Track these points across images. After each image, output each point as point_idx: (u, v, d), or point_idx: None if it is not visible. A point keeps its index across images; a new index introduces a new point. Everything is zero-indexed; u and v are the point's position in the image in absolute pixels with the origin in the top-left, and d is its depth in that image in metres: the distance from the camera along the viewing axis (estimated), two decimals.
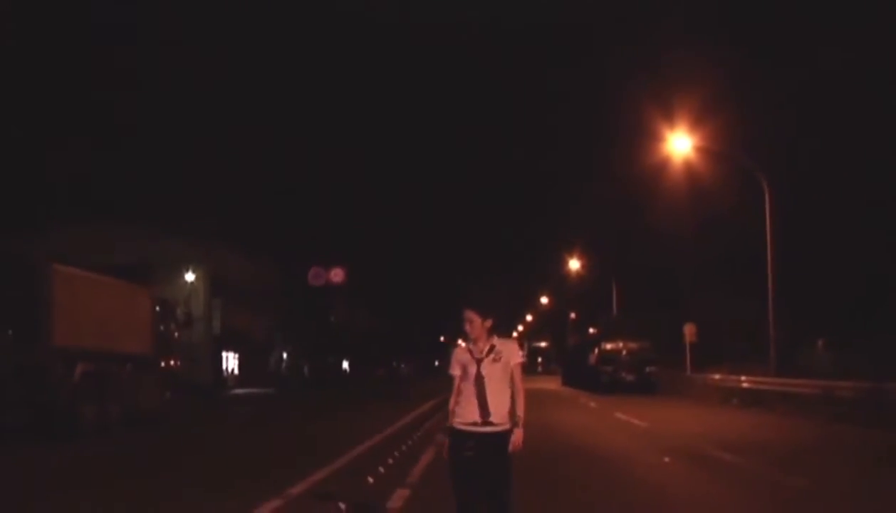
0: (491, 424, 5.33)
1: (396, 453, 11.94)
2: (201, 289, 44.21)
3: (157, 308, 20.46)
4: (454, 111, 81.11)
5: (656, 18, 43.66)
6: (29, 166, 36.90)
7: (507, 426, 5.34)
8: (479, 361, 5.38)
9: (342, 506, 7.84)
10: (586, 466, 11.37)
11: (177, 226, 42.43)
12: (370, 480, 9.45)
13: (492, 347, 5.40)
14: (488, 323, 5.43)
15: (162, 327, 20.64)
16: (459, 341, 5.90)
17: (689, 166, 27.70)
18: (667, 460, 11.87)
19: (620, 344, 37.22)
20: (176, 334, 22.25)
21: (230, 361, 51.47)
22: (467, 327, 5.44)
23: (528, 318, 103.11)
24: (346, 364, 75.44)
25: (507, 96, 74.25)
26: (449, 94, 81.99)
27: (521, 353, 5.57)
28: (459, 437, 5.40)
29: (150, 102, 43.96)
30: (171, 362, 21.38)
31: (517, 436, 5.35)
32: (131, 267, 22.22)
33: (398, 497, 8.33)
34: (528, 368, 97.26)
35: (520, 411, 5.42)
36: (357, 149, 74.83)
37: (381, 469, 10.26)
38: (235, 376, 50.67)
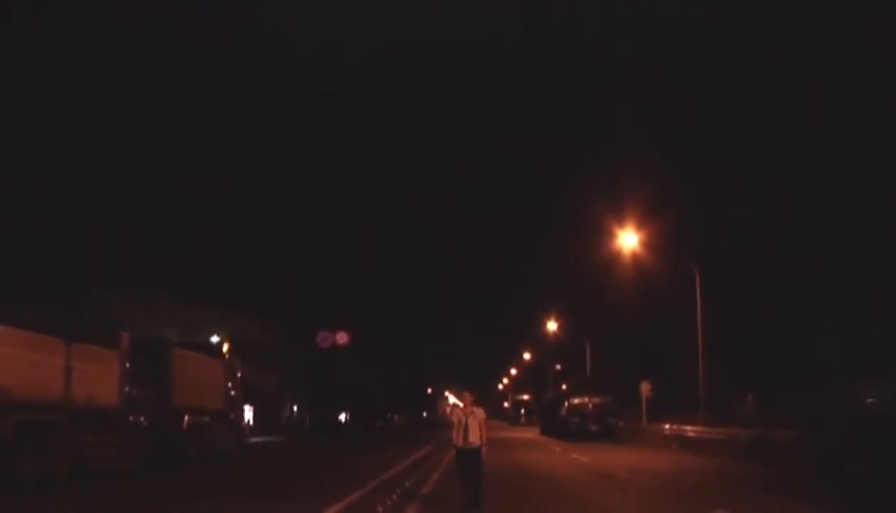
0: (470, 444, 12.45)
1: (415, 475, 18.75)
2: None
3: (226, 374, 27.25)
4: (451, 190, 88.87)
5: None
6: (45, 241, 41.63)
7: (479, 445, 12.44)
8: (467, 417, 12.53)
9: (399, 491, 14.67)
10: (537, 483, 18.03)
11: (201, 295, 49.14)
12: (407, 484, 16.38)
13: (472, 411, 12.55)
14: (473, 397, 12.68)
15: (229, 385, 27.35)
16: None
17: (636, 257, 34.75)
18: (587, 478, 18.65)
19: (587, 398, 43.16)
20: (233, 393, 28.90)
21: (246, 413, 57.60)
22: (465, 397, 12.79)
23: (513, 372, 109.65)
24: (342, 416, 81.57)
25: (499, 175, 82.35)
26: (440, 180, 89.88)
27: (485, 415, 12.71)
28: (458, 449, 12.57)
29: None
30: (234, 415, 28.10)
31: (485, 451, 12.46)
32: (215, 344, 28.95)
33: (426, 490, 15.29)
34: (513, 419, 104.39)
35: (485, 440, 12.50)
36: (352, 226, 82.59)
37: (412, 480, 17.22)
38: (250, 426, 56.78)
